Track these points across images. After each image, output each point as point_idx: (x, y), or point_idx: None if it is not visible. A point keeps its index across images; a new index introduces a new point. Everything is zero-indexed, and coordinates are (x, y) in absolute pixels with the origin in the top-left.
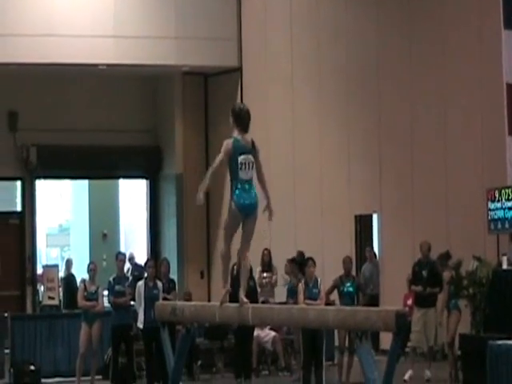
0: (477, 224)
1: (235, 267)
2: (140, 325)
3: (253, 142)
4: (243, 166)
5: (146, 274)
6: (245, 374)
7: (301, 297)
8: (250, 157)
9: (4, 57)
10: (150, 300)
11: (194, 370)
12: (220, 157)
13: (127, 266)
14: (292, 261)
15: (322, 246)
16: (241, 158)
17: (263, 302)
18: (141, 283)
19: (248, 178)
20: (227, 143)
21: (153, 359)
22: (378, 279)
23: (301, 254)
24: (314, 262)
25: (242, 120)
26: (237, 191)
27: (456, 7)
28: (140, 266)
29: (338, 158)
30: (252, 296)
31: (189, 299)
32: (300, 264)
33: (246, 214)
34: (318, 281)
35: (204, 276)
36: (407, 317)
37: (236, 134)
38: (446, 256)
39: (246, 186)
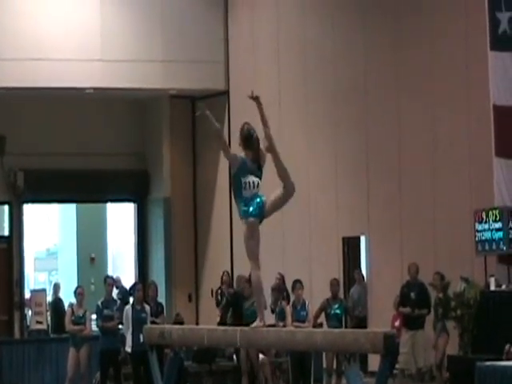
0: (464, 245)
1: (222, 289)
2: (128, 349)
3: (259, 164)
4: (247, 186)
5: (131, 298)
6: None
7: (289, 319)
8: (254, 177)
9: None
10: (138, 323)
11: None
12: (229, 151)
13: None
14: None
15: (310, 268)
16: (244, 179)
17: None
18: (128, 307)
19: (251, 194)
20: (236, 156)
21: (141, 383)
22: (366, 301)
23: (281, 277)
24: (302, 285)
25: (251, 145)
26: (244, 208)
27: (443, 29)
28: (125, 290)
29: (325, 180)
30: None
31: (181, 322)
32: None
33: (261, 218)
34: (305, 303)
35: (192, 299)
36: (395, 338)
37: (243, 154)
38: (441, 277)
39: (251, 198)
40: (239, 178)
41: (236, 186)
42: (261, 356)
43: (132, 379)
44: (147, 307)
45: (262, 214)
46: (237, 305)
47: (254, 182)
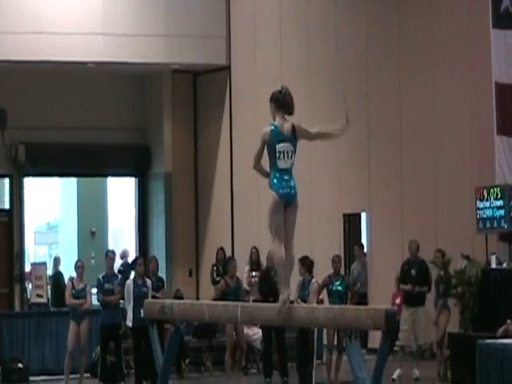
0: (466, 223)
1: (218, 266)
2: (129, 323)
3: (293, 128)
4: (281, 155)
5: (132, 272)
6: (282, 371)
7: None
8: (289, 145)
9: None
10: (139, 298)
11: (182, 369)
12: (258, 147)
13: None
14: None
15: (311, 245)
16: (279, 147)
17: (254, 301)
18: (130, 281)
19: (287, 167)
20: (264, 132)
21: (142, 357)
22: (366, 278)
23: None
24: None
25: (286, 102)
26: (275, 180)
27: (445, 6)
28: (127, 264)
29: (327, 157)
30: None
31: (180, 298)
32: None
33: (286, 202)
34: (310, 281)
35: (192, 274)
36: (396, 315)
37: (277, 120)
38: (442, 255)
39: (285, 176)
40: (274, 146)
41: (271, 155)
42: (261, 332)
43: (132, 353)
44: (149, 281)
45: (286, 201)
46: (267, 280)
47: (288, 152)
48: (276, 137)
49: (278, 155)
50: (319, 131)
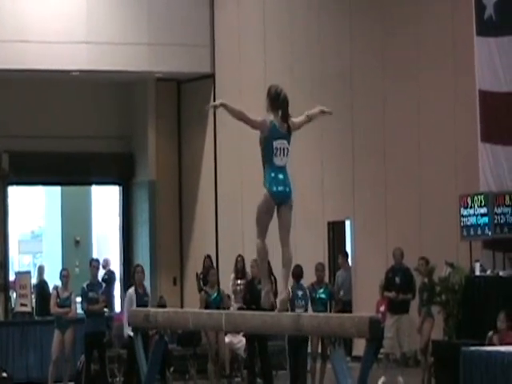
0: (450, 230)
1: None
2: (129, 331)
3: (288, 127)
4: (278, 152)
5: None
6: (266, 380)
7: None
8: (286, 142)
9: None
10: (141, 307)
11: (167, 377)
12: (256, 119)
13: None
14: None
15: (295, 253)
16: (276, 143)
17: (239, 309)
18: (132, 290)
19: (282, 164)
20: (265, 120)
21: (134, 367)
22: (351, 286)
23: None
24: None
25: (279, 107)
26: (270, 177)
27: (429, 15)
28: (111, 272)
29: (311, 164)
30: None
31: (163, 306)
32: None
33: (279, 201)
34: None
35: (177, 283)
36: (381, 323)
37: (272, 117)
38: (426, 262)
39: (280, 175)
40: (271, 142)
41: (267, 151)
42: (226, 340)
43: (125, 362)
44: (148, 291)
45: (280, 200)
46: (251, 289)
47: (284, 149)
48: (274, 132)
49: (274, 152)
50: (308, 114)
